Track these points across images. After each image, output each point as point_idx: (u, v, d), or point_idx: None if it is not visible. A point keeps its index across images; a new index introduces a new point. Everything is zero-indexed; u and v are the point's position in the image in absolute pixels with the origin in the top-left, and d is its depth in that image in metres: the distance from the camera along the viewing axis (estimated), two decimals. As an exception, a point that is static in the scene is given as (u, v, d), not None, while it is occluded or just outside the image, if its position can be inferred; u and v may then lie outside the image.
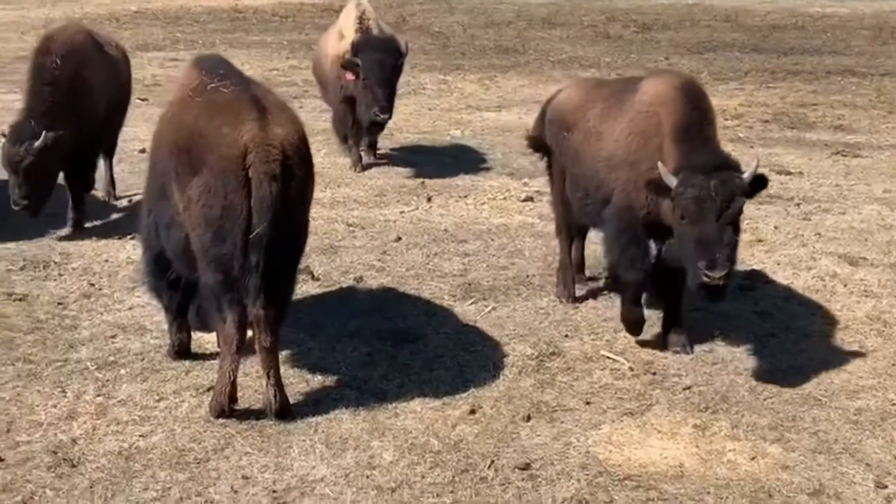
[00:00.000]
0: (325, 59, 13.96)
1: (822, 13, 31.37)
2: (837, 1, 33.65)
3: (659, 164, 7.64)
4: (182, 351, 8.32)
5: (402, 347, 8.58)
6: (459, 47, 26.03)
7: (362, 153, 14.22)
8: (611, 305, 9.31)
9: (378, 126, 13.57)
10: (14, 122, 10.84)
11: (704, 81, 21.83)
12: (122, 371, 8.16)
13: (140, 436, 7.23)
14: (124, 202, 12.58)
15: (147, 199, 8.00)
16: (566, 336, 8.80)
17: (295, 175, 7.05)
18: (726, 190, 7.37)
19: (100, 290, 9.85)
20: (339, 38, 13.57)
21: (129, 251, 10.83)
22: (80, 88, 11.07)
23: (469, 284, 9.93)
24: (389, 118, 13.31)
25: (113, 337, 8.76)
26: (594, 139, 8.55)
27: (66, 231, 11.37)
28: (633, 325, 8.58)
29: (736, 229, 7.51)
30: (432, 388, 7.89)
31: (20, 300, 9.55)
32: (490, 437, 7.22)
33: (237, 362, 7.35)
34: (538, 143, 9.59)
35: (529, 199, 12.65)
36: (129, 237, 11.09)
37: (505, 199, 12.80)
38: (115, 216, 12.17)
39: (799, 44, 27.06)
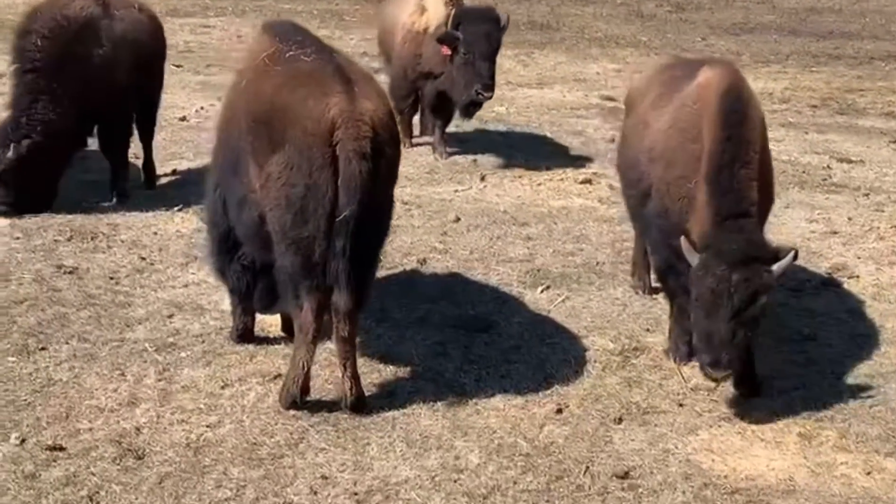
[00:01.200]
0: (395, 31, 13.14)
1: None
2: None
3: (682, 239, 6.78)
4: (246, 335, 7.79)
5: (475, 336, 8.04)
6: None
7: (436, 140, 13.15)
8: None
9: (476, 106, 12.45)
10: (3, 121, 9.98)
11: (745, 64, 21.34)
12: (183, 354, 7.63)
13: (207, 426, 6.70)
14: (167, 172, 11.99)
15: (214, 175, 7.45)
16: (647, 330, 8.25)
17: (384, 153, 6.49)
18: (748, 288, 6.44)
19: (151, 264, 9.30)
20: (419, 11, 12.70)
21: (177, 224, 10.30)
22: (79, 67, 10.07)
23: (537, 270, 9.38)
24: (492, 97, 12.27)
25: (170, 317, 8.22)
26: (641, 126, 7.91)
27: (111, 202, 10.80)
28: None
29: (754, 325, 6.66)
30: (512, 384, 7.36)
31: (70, 273, 9.00)
32: (581, 441, 6.69)
33: (312, 352, 6.82)
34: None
35: (587, 181, 12.07)
36: (176, 209, 10.56)
37: (562, 180, 12.20)
38: (161, 186, 11.58)
39: (837, 27, 26.43)
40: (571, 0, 29.09)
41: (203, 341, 7.83)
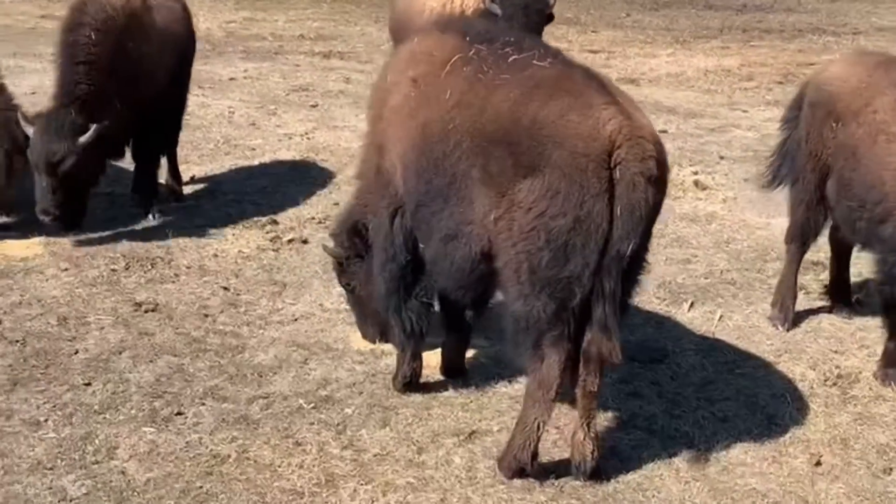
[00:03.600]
0: (416, 13, 11.54)
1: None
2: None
3: None
4: (413, 383, 6.54)
5: (655, 369, 6.96)
6: None
7: None
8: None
9: None
10: (49, 111, 8.45)
11: (685, 39, 20.72)
12: (347, 410, 6.34)
13: (435, 509, 5.48)
14: (185, 180, 10.48)
15: (387, 201, 6.14)
16: (836, 352, 7.29)
17: (664, 175, 5.32)
18: None
19: (237, 295, 7.92)
20: None
21: (234, 242, 8.94)
22: (128, 62, 8.71)
23: (670, 283, 8.32)
24: None
25: (305, 362, 6.90)
26: (883, 139, 6.77)
27: (153, 219, 9.29)
28: None
29: None
30: (737, 429, 6.30)
31: (152, 310, 7.56)
32: (867, 500, 5.68)
33: (551, 412, 5.63)
34: (789, 126, 7.79)
35: (696, 183, 10.95)
36: (224, 227, 9.16)
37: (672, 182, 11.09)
38: (189, 198, 10.10)
39: (749, 0, 26.06)
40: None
41: (360, 392, 6.55)
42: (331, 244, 6.86)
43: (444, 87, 5.76)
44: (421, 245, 6.02)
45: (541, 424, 5.61)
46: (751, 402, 6.61)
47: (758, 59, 18.88)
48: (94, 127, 8.28)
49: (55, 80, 8.54)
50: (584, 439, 5.65)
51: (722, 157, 11.97)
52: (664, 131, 13.00)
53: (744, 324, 7.68)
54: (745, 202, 10.28)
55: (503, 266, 5.45)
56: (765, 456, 6.04)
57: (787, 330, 7.59)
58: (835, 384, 6.82)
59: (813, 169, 7.28)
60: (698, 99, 15.45)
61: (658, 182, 5.22)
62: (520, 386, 6.61)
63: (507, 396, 6.56)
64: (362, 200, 6.63)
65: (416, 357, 6.51)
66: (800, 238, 7.56)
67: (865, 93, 6.95)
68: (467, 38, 5.93)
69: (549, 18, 10.55)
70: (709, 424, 6.34)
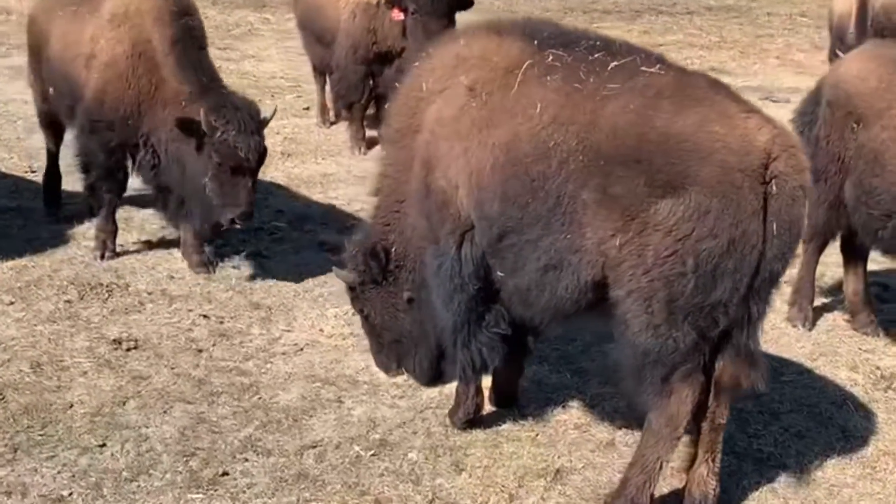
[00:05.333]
0: (336, 3, 10.62)
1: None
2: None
3: None
4: (474, 419, 5.87)
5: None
6: None
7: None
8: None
9: None
10: (234, 103, 7.29)
11: (630, 16, 20.48)
12: (413, 455, 5.65)
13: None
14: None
15: (454, 223, 5.37)
16: (866, 351, 7.02)
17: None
18: None
19: (221, 322, 7.04)
20: None
21: (181, 259, 7.92)
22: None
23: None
24: None
25: (338, 401, 6.12)
26: None
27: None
28: None
29: None
30: (817, 446, 5.93)
31: (134, 349, 6.61)
32: None
33: (674, 450, 5.09)
34: (803, 122, 7.35)
35: None
36: (169, 242, 8.19)
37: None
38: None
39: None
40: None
41: (414, 431, 5.87)
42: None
43: (525, 99, 5.08)
44: (499, 273, 5.32)
45: (663, 464, 5.06)
46: (815, 413, 6.25)
47: (707, 37, 18.82)
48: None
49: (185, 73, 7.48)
50: (708, 475, 5.14)
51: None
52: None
53: (765, 326, 7.30)
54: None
55: (626, 295, 4.84)
56: (861, 473, 5.70)
57: (809, 329, 7.29)
58: (888, 388, 6.54)
59: (836, 172, 6.92)
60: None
61: (811, 194, 4.76)
62: (578, 412, 6.09)
63: (572, 426, 5.99)
64: (384, 220, 5.87)
65: (479, 391, 5.85)
66: (820, 237, 7.24)
67: (887, 94, 6.66)
68: (535, 42, 5.27)
69: (464, 4, 9.87)
70: (788, 443, 5.93)
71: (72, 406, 5.94)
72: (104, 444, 5.59)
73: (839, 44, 14.51)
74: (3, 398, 5.98)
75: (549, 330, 5.59)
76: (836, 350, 7.03)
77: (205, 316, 7.09)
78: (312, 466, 5.47)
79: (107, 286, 7.44)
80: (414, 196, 5.60)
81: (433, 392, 6.17)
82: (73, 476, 5.32)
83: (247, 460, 5.51)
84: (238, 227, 7.40)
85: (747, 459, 5.74)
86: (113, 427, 5.75)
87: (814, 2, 23.08)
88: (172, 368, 6.39)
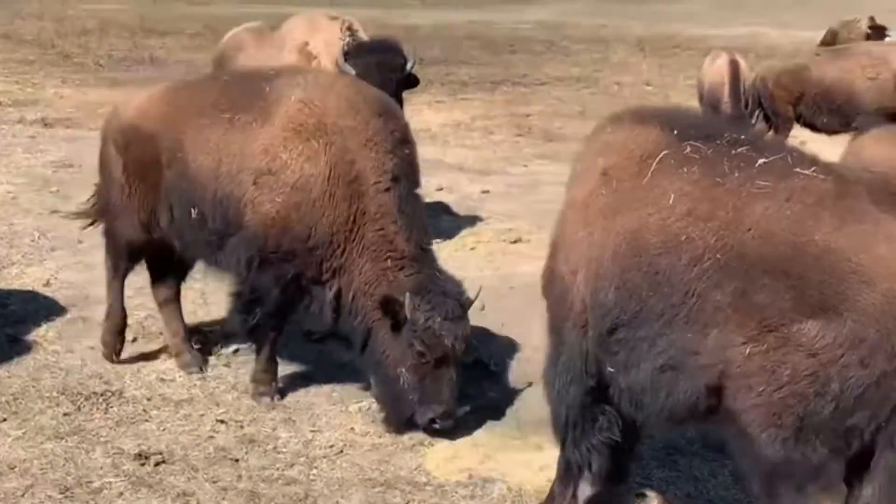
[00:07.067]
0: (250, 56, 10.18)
1: (405, 24, 30.51)
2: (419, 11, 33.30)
3: None
4: (561, 523, 5.58)
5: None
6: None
7: None
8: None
9: None
10: (442, 288, 6.49)
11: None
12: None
13: None
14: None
15: (576, 315, 5.08)
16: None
17: None
18: None
19: (241, 427, 6.57)
20: (304, 56, 10.03)
21: (163, 359, 7.40)
22: None
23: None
24: None
25: None
26: None
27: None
28: None
29: None
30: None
31: (164, 462, 6.06)
32: None
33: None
34: None
35: None
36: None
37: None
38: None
39: (424, 53, 26.11)
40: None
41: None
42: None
43: (656, 189, 4.84)
44: (609, 369, 5.07)
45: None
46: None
47: (481, 111, 18.84)
48: None
49: None
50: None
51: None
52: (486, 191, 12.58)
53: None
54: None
55: (752, 407, 4.57)
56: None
57: None
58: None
59: None
60: (471, 155, 15.07)
61: None
62: None
63: None
64: None
65: (575, 497, 5.54)
66: None
67: None
68: (674, 132, 5.02)
69: (412, 83, 9.77)
70: None
71: (126, 534, 5.38)
72: (179, 574, 5.07)
73: (713, 112, 15.01)
74: (43, 531, 5.37)
75: (663, 432, 5.34)
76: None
77: (221, 421, 6.58)
78: (413, 579, 5.09)
79: (101, 394, 6.84)
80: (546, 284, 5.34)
81: (503, 489, 5.86)
82: None
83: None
84: (437, 427, 6.39)
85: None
86: (181, 553, 5.23)
87: (655, 71, 23.97)
88: (215, 482, 5.87)
